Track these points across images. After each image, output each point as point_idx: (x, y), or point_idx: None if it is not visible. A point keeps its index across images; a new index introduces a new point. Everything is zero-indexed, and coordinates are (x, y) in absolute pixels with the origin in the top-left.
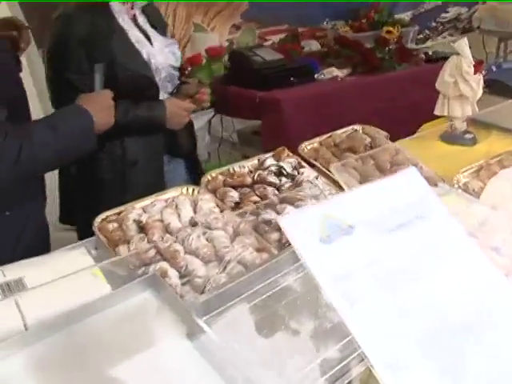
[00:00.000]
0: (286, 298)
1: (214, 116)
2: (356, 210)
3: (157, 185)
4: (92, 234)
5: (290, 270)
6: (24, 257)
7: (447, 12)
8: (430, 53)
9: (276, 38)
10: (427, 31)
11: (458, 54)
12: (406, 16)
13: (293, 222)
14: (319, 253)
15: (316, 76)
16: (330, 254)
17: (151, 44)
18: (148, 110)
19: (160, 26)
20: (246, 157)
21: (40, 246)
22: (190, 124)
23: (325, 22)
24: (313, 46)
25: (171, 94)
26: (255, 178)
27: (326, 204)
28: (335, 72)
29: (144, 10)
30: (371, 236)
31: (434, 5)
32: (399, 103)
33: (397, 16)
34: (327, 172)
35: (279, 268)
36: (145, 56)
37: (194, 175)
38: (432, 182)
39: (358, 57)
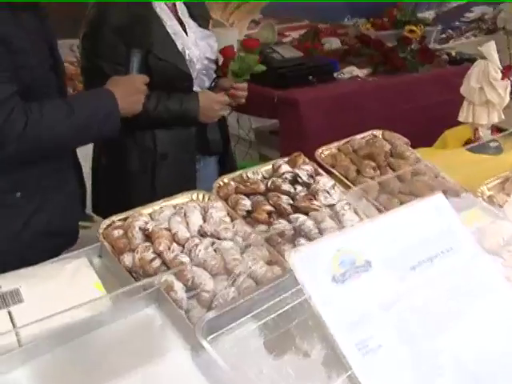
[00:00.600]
0: (298, 318)
1: (230, 113)
2: (374, 243)
3: (188, 180)
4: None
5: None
6: (31, 246)
7: (471, 12)
8: (454, 54)
9: (296, 35)
10: (450, 31)
11: (484, 57)
12: (429, 15)
13: (303, 259)
14: (330, 294)
15: (336, 75)
16: (343, 296)
17: (187, 35)
18: (180, 102)
19: (202, 18)
20: (262, 156)
21: (53, 239)
22: (223, 120)
23: (346, 19)
24: (333, 43)
25: (209, 88)
26: (269, 185)
27: (340, 236)
28: (355, 71)
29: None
30: (390, 274)
31: (458, 4)
32: (421, 106)
33: (420, 15)
34: (345, 180)
35: (292, 284)
36: (179, 47)
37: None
38: (454, 193)
39: (379, 56)
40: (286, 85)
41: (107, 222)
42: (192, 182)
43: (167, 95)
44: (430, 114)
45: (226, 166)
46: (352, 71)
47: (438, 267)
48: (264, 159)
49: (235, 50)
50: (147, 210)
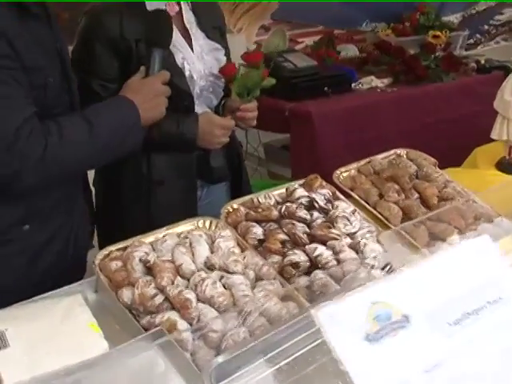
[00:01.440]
0: (316, 362)
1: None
2: (412, 295)
3: (188, 210)
4: None
5: None
6: (41, 283)
7: (502, 14)
8: (483, 61)
9: (309, 41)
10: (478, 35)
11: None
12: (454, 18)
13: (331, 315)
14: (364, 356)
15: (353, 86)
16: (379, 357)
17: (192, 47)
18: (176, 124)
19: (213, 28)
20: (272, 174)
21: (62, 274)
22: (233, 142)
23: (364, 24)
24: (350, 50)
25: (217, 107)
26: (282, 211)
27: (373, 288)
28: (374, 82)
29: (195, 9)
30: (432, 330)
31: (487, 5)
32: (446, 119)
33: (445, 18)
34: (366, 205)
35: (310, 324)
36: (179, 61)
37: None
38: (488, 219)
39: (400, 65)
40: (299, 96)
41: (104, 252)
42: (192, 211)
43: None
44: (456, 129)
45: (239, 192)
46: (371, 81)
47: (487, 320)
48: (274, 177)
49: (237, 66)
50: (148, 238)
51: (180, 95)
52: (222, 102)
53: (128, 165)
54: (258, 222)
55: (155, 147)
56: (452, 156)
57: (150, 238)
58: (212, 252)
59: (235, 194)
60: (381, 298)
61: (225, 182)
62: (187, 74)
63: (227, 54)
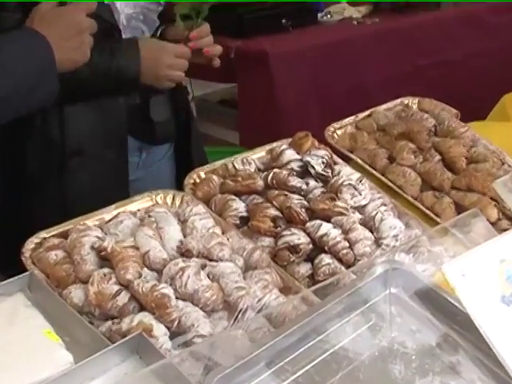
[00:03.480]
0: (342, 370)
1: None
2: None
3: (118, 185)
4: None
5: (342, 324)
6: None
7: None
8: None
9: None
10: None
11: None
12: None
13: (463, 274)
14: (501, 318)
15: (319, 17)
16: None
17: None
18: (110, 55)
19: None
20: (209, 139)
21: None
22: (180, 90)
23: None
24: None
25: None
26: (269, 180)
27: (498, 244)
28: (348, 11)
29: None
30: None
31: None
32: (446, 60)
33: None
34: (372, 171)
35: (324, 323)
36: None
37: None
38: None
39: None
40: (249, 32)
41: (34, 240)
42: (123, 189)
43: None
44: (459, 73)
45: (188, 160)
46: (343, 10)
47: None
48: (211, 142)
49: None
50: (93, 220)
51: (102, 27)
52: (159, 31)
53: (33, 128)
54: (238, 194)
55: (78, 94)
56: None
57: (96, 217)
58: (185, 235)
59: (182, 162)
60: (508, 255)
61: (170, 142)
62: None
63: None
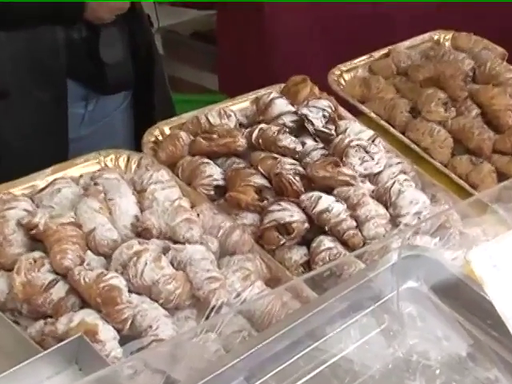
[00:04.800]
0: None
1: None
2: None
3: (54, 146)
4: None
5: (346, 327)
6: None
7: None
8: None
9: None
10: None
11: None
12: None
13: (494, 264)
14: None
15: None
16: None
17: None
18: None
19: None
20: (176, 82)
21: None
22: (135, 28)
23: None
24: None
25: None
26: (254, 138)
27: None
28: None
29: None
30: None
31: None
32: None
33: None
34: (389, 128)
35: (326, 325)
36: None
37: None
38: None
39: None
40: None
41: None
42: (61, 147)
43: None
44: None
45: (151, 113)
46: None
47: None
48: (181, 88)
49: None
50: (21, 188)
51: None
52: None
53: None
54: (212, 156)
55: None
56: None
57: (25, 185)
58: (142, 209)
59: (142, 114)
60: None
61: (125, 90)
62: None
63: None
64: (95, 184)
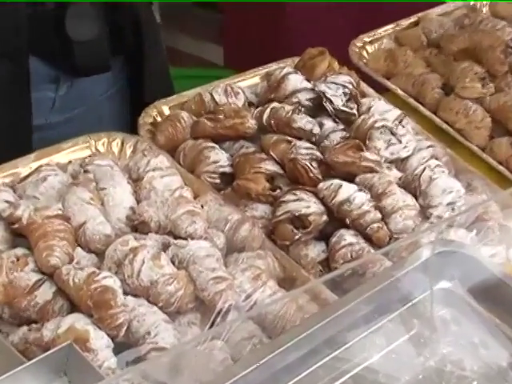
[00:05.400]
0: None
1: None
2: None
3: (14, 131)
4: None
5: (370, 333)
6: None
7: None
8: None
9: None
10: None
11: None
12: None
13: None
14: None
15: None
16: None
17: None
18: None
19: None
20: (177, 54)
21: None
22: None
23: None
24: None
25: None
26: (265, 119)
27: None
28: None
29: None
30: None
31: None
32: None
33: None
34: (418, 106)
35: (347, 331)
36: None
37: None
38: None
39: None
40: None
41: None
42: (23, 136)
43: None
44: None
45: (141, 95)
46: None
47: None
48: (182, 62)
49: None
50: (2, 175)
51: None
52: None
53: None
54: (218, 140)
55: None
56: None
57: (2, 175)
58: (139, 199)
59: (137, 92)
60: None
61: (100, 73)
62: None
63: None
64: (85, 172)
